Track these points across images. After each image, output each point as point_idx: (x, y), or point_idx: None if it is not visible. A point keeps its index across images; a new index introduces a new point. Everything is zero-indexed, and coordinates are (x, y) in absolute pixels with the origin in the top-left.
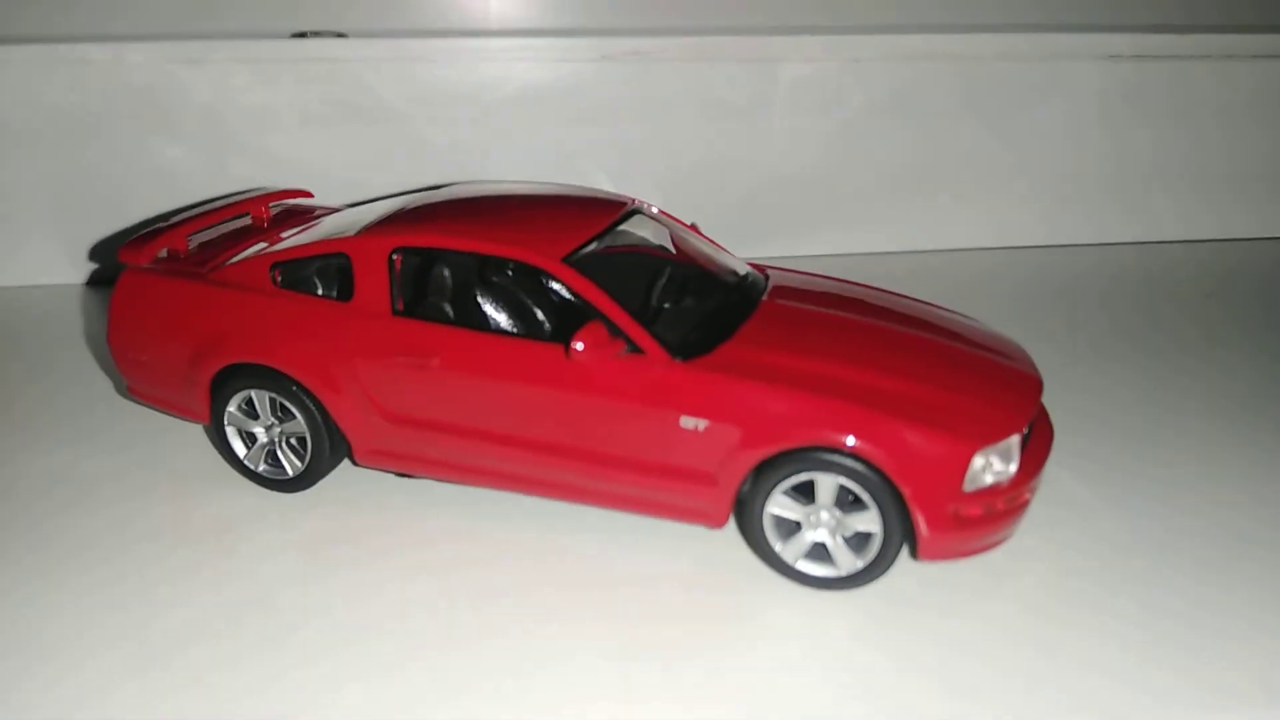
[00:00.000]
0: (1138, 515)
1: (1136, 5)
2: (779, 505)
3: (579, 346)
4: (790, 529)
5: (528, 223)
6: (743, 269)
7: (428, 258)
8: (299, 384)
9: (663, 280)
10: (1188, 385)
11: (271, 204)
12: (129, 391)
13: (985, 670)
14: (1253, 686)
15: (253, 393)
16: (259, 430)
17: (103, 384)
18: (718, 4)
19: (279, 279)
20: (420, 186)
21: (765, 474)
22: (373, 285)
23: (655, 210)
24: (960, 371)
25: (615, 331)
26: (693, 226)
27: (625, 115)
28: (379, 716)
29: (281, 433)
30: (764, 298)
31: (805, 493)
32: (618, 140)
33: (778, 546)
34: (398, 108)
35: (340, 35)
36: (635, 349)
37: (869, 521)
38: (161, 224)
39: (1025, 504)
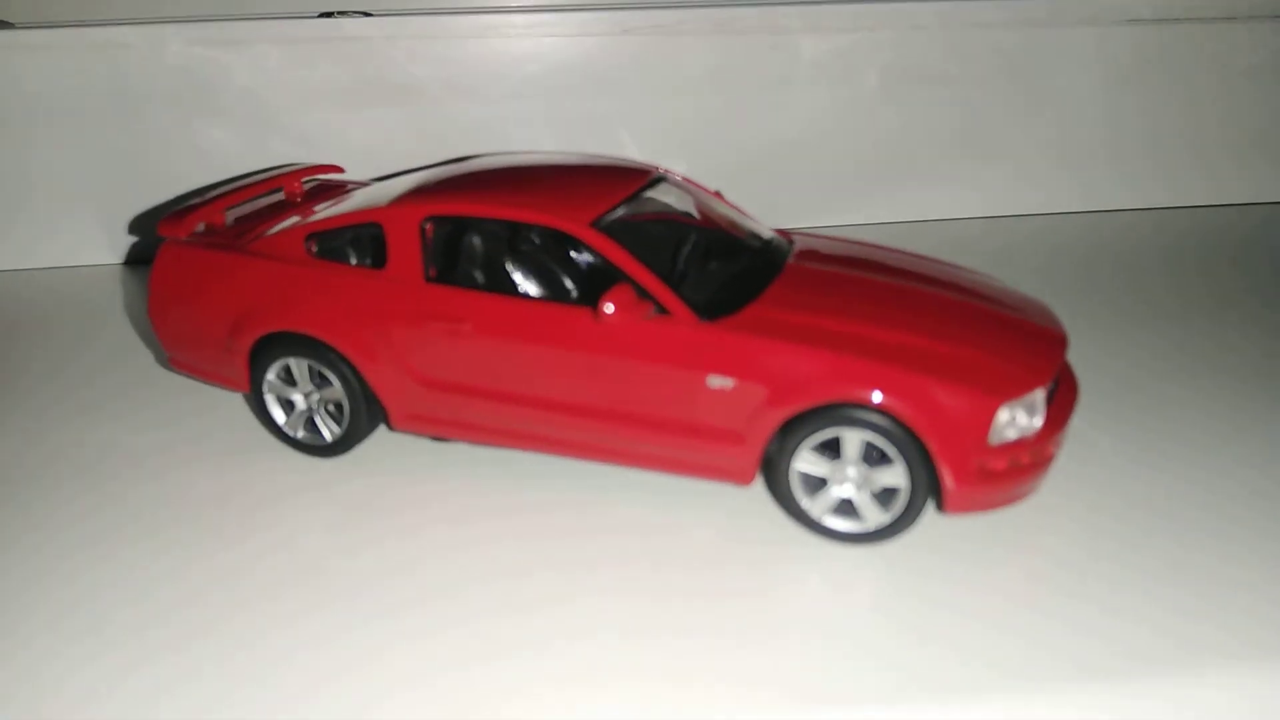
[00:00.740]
0: (1162, 472)
1: None
2: (806, 462)
3: (609, 308)
4: (817, 485)
5: (556, 190)
6: (767, 233)
7: (458, 226)
8: (336, 351)
9: (689, 245)
10: (1213, 348)
11: (304, 179)
12: (170, 363)
13: (1013, 622)
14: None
15: (291, 360)
16: (297, 397)
17: (145, 359)
18: None
19: (314, 249)
20: (448, 159)
21: (792, 431)
22: (405, 253)
23: (680, 178)
24: (984, 328)
25: (643, 294)
26: (717, 194)
27: (648, 88)
28: (424, 677)
29: (320, 399)
30: (790, 260)
31: (831, 449)
32: (640, 112)
33: (805, 503)
34: (424, 84)
35: (365, 14)
36: (663, 311)
37: (895, 476)
38: (199, 199)
39: (1050, 458)
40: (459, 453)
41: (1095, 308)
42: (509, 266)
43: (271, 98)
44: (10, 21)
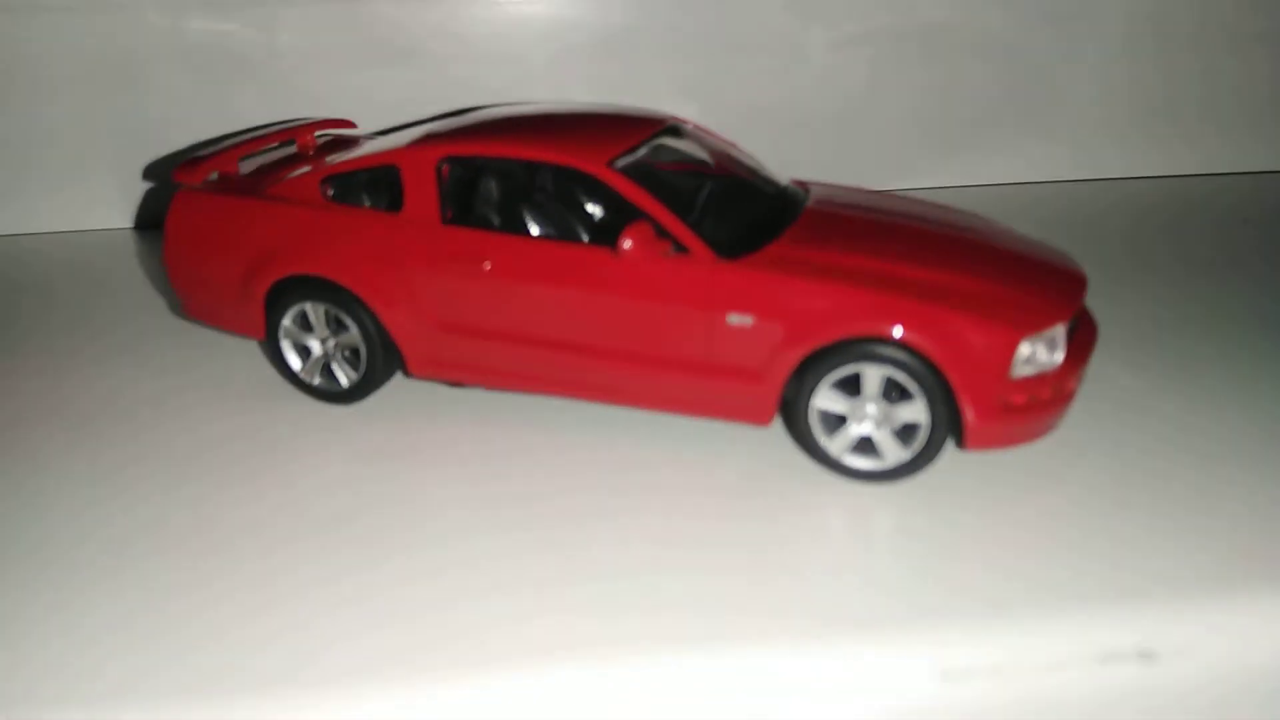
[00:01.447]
0: (1186, 412)
1: None
2: (825, 399)
3: (627, 244)
4: (836, 424)
5: (572, 132)
6: (784, 181)
7: (475, 167)
8: (352, 295)
9: (706, 189)
10: (1228, 300)
11: (317, 133)
12: (184, 311)
13: (1036, 558)
14: None
15: (307, 305)
16: (313, 343)
17: (160, 313)
18: None
19: (330, 193)
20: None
21: (811, 369)
22: (422, 195)
23: (694, 126)
24: (1005, 266)
25: (662, 232)
26: (732, 144)
27: (655, 52)
28: (432, 610)
29: (336, 345)
30: (809, 204)
31: (851, 387)
32: (654, 79)
33: (824, 441)
34: (430, 46)
35: None
36: (681, 249)
37: (915, 412)
38: (213, 148)
39: (1071, 393)
40: (476, 398)
41: (1122, 267)
42: (527, 207)
43: (283, 60)
44: None
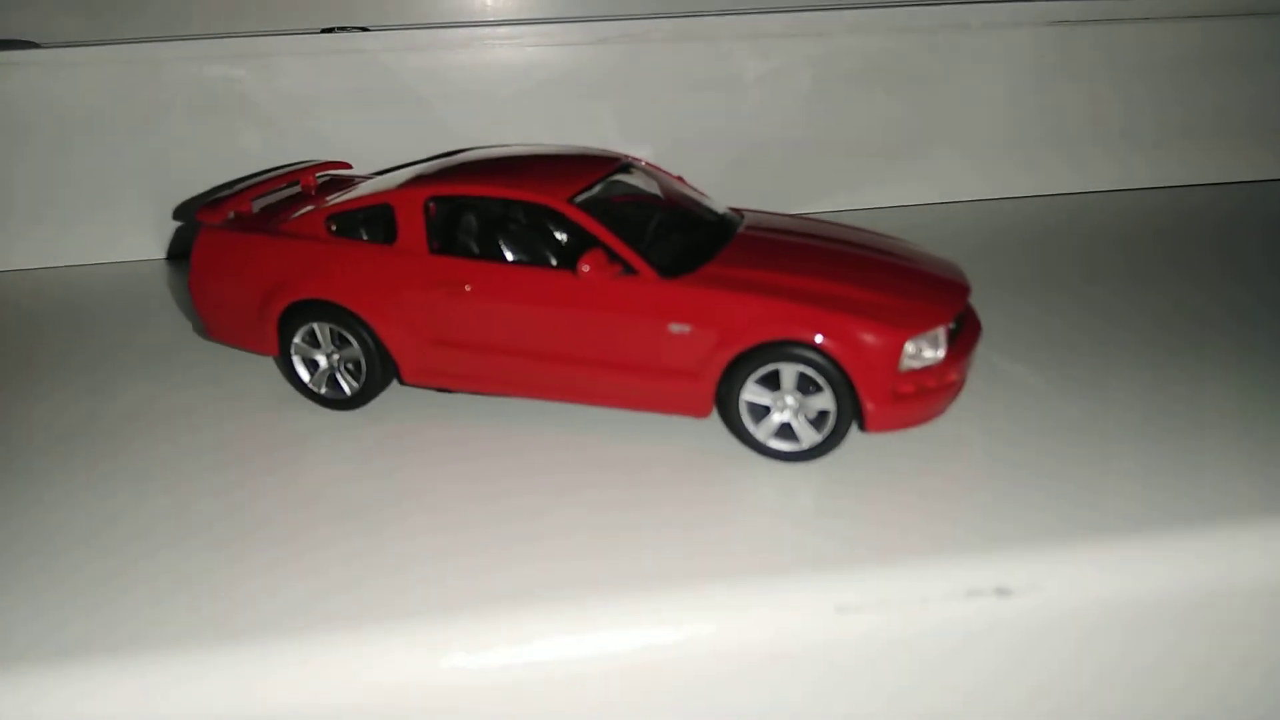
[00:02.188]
0: (1064, 402)
1: None
2: (751, 393)
3: (585, 268)
4: (761, 413)
5: (539, 172)
6: (722, 210)
7: (457, 204)
8: (354, 315)
9: (653, 219)
10: (1125, 309)
11: (318, 174)
12: (207, 333)
13: (917, 516)
14: (1150, 513)
15: (315, 325)
16: (320, 357)
17: (186, 333)
18: None
19: (334, 228)
20: (444, 153)
21: (739, 367)
22: (412, 229)
23: (645, 163)
24: (899, 278)
25: (613, 256)
26: (679, 178)
27: (620, 91)
28: (429, 578)
29: (340, 358)
30: (740, 230)
31: (772, 382)
32: (614, 114)
33: (751, 428)
34: (418, 90)
35: (364, 29)
36: (630, 270)
37: (825, 401)
38: (229, 190)
39: (953, 384)
40: (461, 402)
41: (1021, 278)
42: (501, 238)
43: (285, 104)
44: (36, 42)
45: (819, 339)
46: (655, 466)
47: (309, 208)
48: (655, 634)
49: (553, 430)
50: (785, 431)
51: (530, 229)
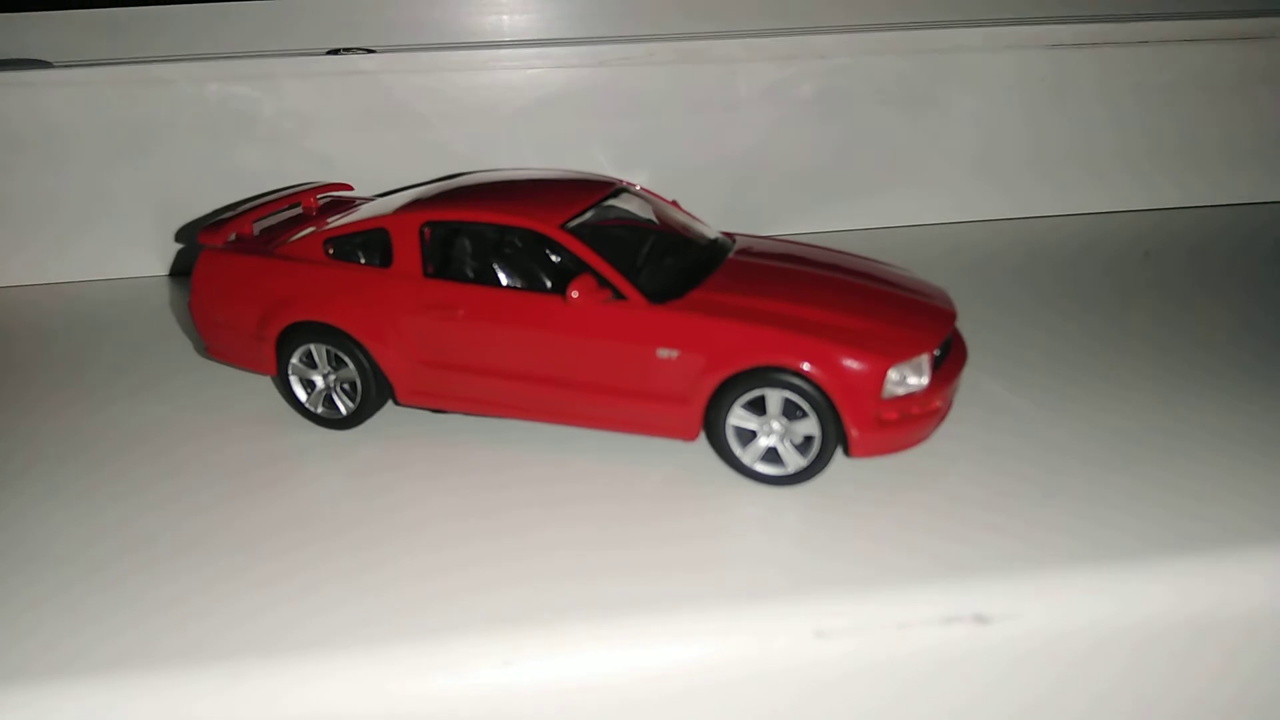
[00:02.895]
0: (1048, 426)
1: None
2: (738, 417)
3: (574, 294)
4: (748, 437)
5: (532, 198)
6: (714, 234)
7: (451, 229)
8: (350, 337)
9: (645, 244)
10: (1113, 331)
11: (319, 195)
12: (207, 352)
13: (899, 543)
14: (1128, 541)
15: (312, 346)
16: (317, 378)
17: (187, 352)
18: (698, 12)
19: (331, 252)
20: (442, 176)
21: (726, 392)
22: (407, 254)
23: (639, 188)
24: (884, 306)
25: (603, 282)
26: (673, 202)
27: (619, 112)
28: (417, 601)
29: (336, 379)
30: (730, 256)
31: (759, 407)
32: (613, 134)
33: (738, 452)
34: (421, 111)
35: (369, 51)
36: (619, 296)
37: (810, 426)
38: (230, 212)
39: (937, 410)
40: (454, 422)
41: (1010, 300)
42: (494, 263)
43: (290, 125)
44: (49, 61)
45: (803, 366)
46: (642, 489)
47: (309, 230)
48: (638, 656)
49: (543, 451)
50: (771, 456)
51: (523, 254)
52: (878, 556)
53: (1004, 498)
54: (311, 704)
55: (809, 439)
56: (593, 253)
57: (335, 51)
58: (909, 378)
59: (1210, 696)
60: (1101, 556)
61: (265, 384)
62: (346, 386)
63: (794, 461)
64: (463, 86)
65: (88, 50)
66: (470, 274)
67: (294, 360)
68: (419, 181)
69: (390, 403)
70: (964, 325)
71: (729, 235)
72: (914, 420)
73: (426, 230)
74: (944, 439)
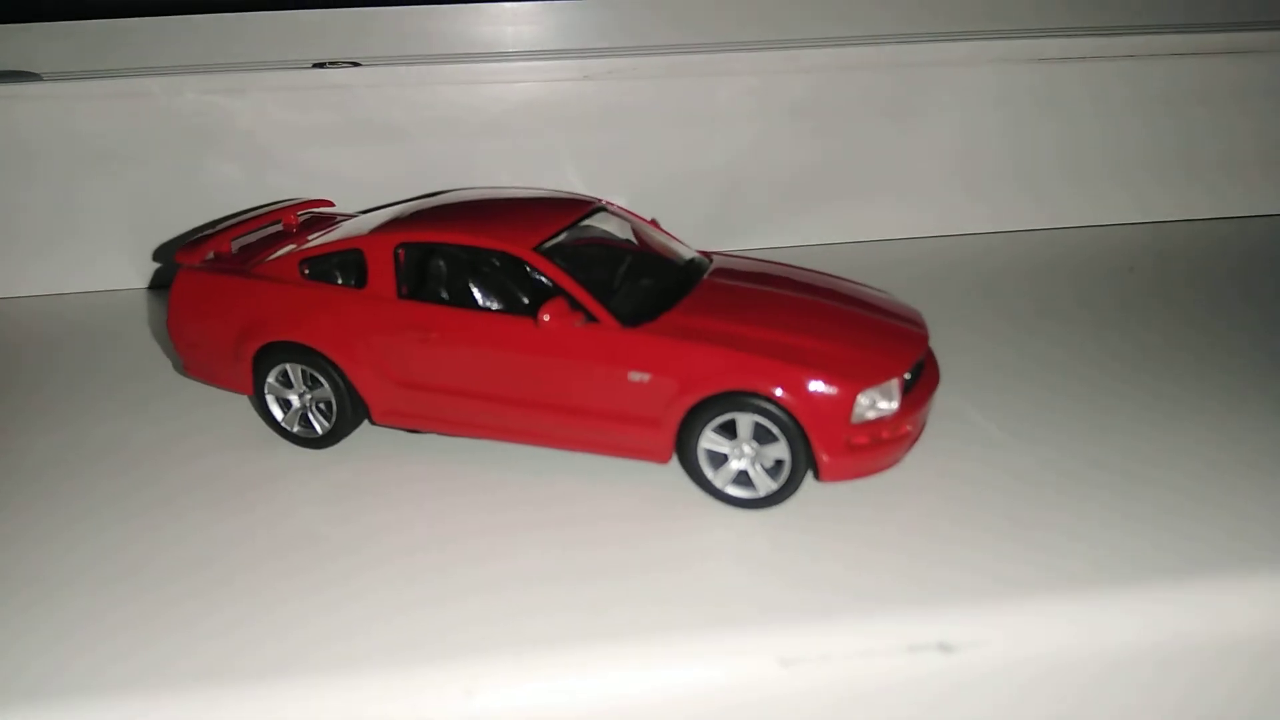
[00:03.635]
0: (1018, 452)
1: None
2: (709, 441)
3: (545, 318)
4: (720, 460)
5: (508, 218)
6: (691, 254)
7: (426, 251)
8: (325, 357)
9: (621, 264)
10: (1093, 352)
11: (300, 212)
12: (185, 371)
13: (865, 568)
14: (1092, 570)
15: (287, 366)
16: (293, 397)
17: (165, 369)
18: (684, 25)
19: (307, 272)
20: (424, 194)
21: (697, 416)
22: (382, 275)
23: (619, 208)
24: (855, 329)
25: (576, 305)
26: (653, 221)
27: (601, 125)
28: (391, 617)
29: (312, 399)
30: (705, 277)
31: (731, 430)
32: (598, 146)
33: (710, 474)
34: (405, 125)
35: (355, 64)
36: (592, 319)
37: (780, 450)
38: (209, 230)
39: (907, 434)
40: (429, 442)
41: (977, 315)
42: (468, 284)
43: (272, 138)
44: (38, 74)
45: (773, 391)
46: (614, 511)
47: (287, 248)
48: (600, 686)
49: (517, 472)
50: (742, 479)
51: (498, 275)
52: (845, 583)
53: (970, 526)
54: None
55: (779, 463)
56: (566, 275)
57: (321, 65)
58: (879, 402)
59: None
60: (1064, 585)
61: (243, 404)
62: (322, 406)
63: (765, 485)
64: (447, 100)
65: (81, 62)
66: (444, 295)
67: (270, 380)
68: (401, 198)
69: (366, 423)
70: (939, 345)
71: (706, 254)
72: (884, 444)
73: (401, 251)
74: (914, 464)
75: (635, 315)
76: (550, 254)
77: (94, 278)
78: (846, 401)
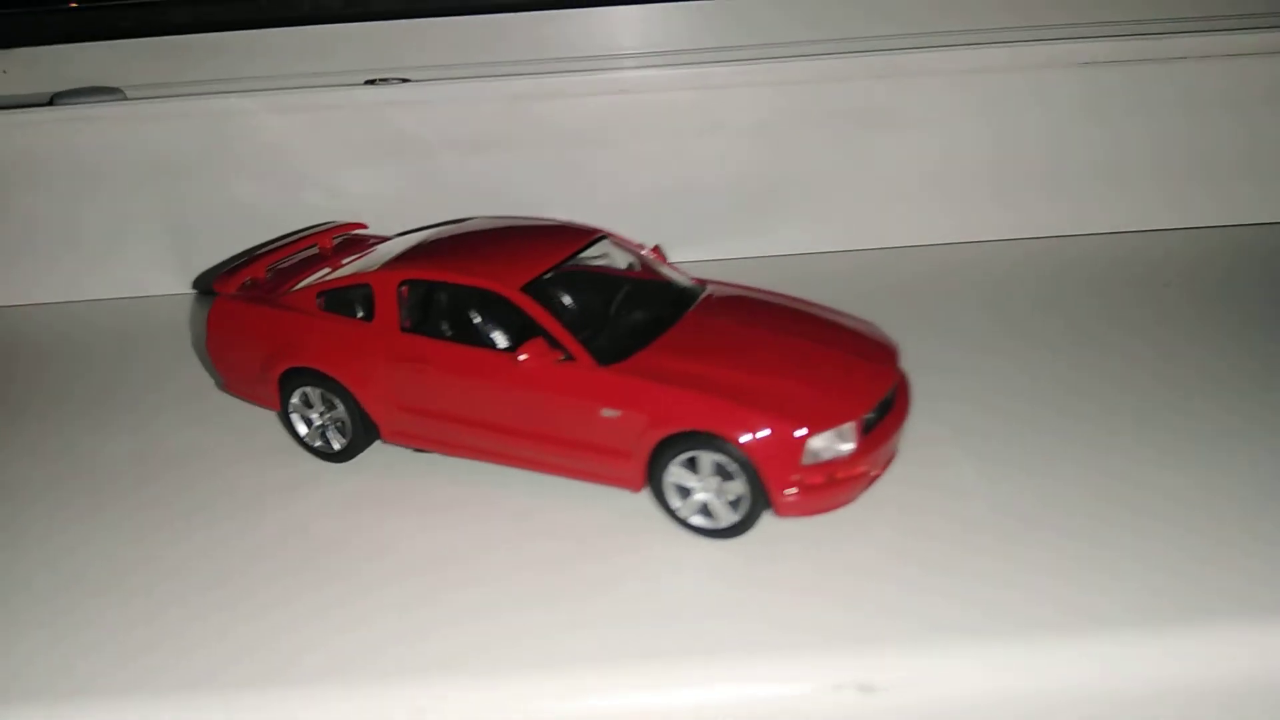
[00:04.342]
0: (978, 483)
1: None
2: (675, 475)
3: (523, 357)
4: (686, 492)
5: (503, 255)
6: (684, 284)
7: (426, 287)
8: (338, 382)
9: (612, 298)
10: (1074, 368)
11: (335, 236)
12: (223, 387)
13: (817, 613)
14: (1062, 615)
15: (307, 389)
16: (314, 416)
17: (206, 382)
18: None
19: (323, 304)
20: (452, 218)
21: (664, 450)
22: (387, 309)
23: (619, 238)
24: (823, 368)
25: (555, 344)
26: (655, 249)
27: (632, 140)
28: (402, 618)
29: (330, 418)
30: (688, 312)
31: (696, 466)
32: (613, 163)
33: (676, 505)
34: (433, 143)
35: (404, 80)
36: (570, 357)
37: (739, 487)
38: (246, 258)
39: (863, 474)
40: (433, 460)
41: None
42: (462, 319)
43: (306, 155)
44: (121, 89)
45: (728, 432)
46: (591, 536)
47: (322, 271)
48: (560, 697)
49: (503, 491)
50: (706, 511)
51: (489, 311)
52: (783, 619)
53: (917, 567)
54: None
55: (740, 497)
56: (548, 314)
57: (371, 82)
58: (835, 444)
59: None
60: (994, 630)
61: (272, 418)
62: (339, 425)
63: (726, 517)
64: (484, 116)
65: (152, 75)
66: (442, 329)
67: (294, 400)
68: (429, 219)
69: (378, 441)
70: (916, 364)
71: (701, 282)
72: (839, 484)
73: (404, 288)
74: (879, 495)
75: (611, 353)
76: (538, 290)
77: (138, 283)
78: (798, 445)
